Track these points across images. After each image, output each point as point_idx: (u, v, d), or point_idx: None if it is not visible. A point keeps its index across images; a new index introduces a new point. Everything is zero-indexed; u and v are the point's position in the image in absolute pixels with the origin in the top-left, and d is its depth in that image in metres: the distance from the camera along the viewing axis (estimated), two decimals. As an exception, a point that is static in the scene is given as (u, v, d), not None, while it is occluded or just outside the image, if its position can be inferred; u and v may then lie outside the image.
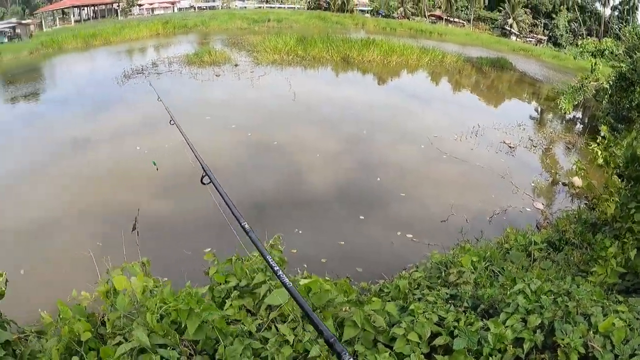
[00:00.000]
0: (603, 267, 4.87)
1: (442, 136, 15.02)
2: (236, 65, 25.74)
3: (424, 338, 3.14)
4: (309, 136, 14.16)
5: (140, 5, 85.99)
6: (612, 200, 5.91)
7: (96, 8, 79.55)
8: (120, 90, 20.66)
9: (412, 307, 3.46)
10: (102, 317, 3.22)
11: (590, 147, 7.22)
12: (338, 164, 12.27)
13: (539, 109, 21.79)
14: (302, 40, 31.64)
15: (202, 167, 2.44)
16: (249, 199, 9.79)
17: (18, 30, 50.74)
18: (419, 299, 4.17)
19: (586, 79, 19.90)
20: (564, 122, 22.25)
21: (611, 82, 18.26)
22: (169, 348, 2.82)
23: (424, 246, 7.94)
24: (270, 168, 11.92)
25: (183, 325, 2.93)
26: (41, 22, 66.13)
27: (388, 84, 25.49)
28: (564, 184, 12.37)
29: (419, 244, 8.24)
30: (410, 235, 8.63)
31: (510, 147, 15.20)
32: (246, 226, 1.58)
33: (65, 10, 72.93)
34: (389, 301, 3.88)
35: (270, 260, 1.79)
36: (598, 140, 7.27)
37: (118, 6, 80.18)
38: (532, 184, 12.15)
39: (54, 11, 71.05)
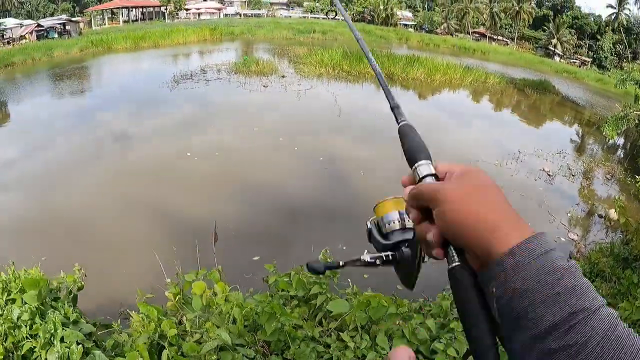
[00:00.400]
0: (630, 302, 4.89)
1: (483, 160, 15.23)
2: (283, 76, 26.45)
3: (461, 354, 3.48)
4: (353, 153, 14.49)
5: (187, 9, 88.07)
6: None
7: (144, 10, 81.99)
8: (171, 95, 21.48)
9: (452, 325, 3.91)
10: (179, 317, 3.77)
11: (635, 181, 7.44)
12: (377, 181, 12.46)
13: (580, 135, 21.73)
14: (347, 55, 32.22)
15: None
16: (290, 212, 10.20)
17: (68, 27, 52.54)
18: (457, 319, 4.60)
19: (629, 108, 19.96)
20: (605, 150, 22.17)
21: None
22: (246, 347, 3.33)
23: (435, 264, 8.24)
24: (315, 183, 12.22)
25: (255, 327, 3.45)
26: (90, 20, 68.60)
27: (432, 103, 25.86)
28: (600, 216, 12.39)
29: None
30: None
31: (549, 174, 15.31)
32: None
33: (114, 10, 75.36)
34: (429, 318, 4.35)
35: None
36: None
37: (166, 9, 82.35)
38: (568, 214, 12.23)
39: (104, 10, 73.52)
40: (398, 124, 0.89)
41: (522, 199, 12.48)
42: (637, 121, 20.09)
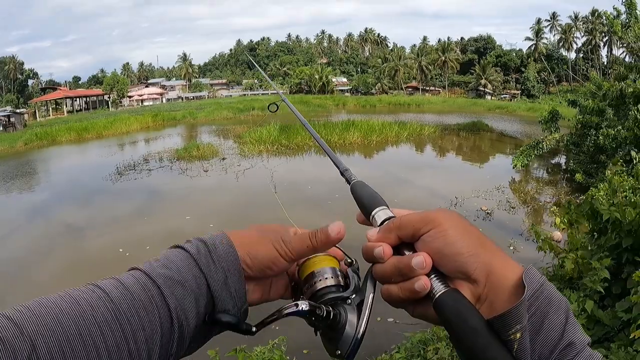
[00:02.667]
0: None
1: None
2: (224, 158, 27.18)
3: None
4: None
5: (130, 96, 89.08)
6: (571, 256, 6.61)
7: (88, 99, 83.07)
8: (114, 188, 21.87)
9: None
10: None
11: (551, 210, 7.50)
12: None
13: (516, 168, 22.84)
14: (285, 128, 33.50)
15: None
16: None
17: (13, 119, 53.39)
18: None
19: (543, 139, 21.30)
20: (544, 175, 23.74)
21: (572, 132, 19.77)
22: None
23: (408, 326, 7.70)
24: None
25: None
26: (35, 111, 68.56)
27: (368, 164, 26.71)
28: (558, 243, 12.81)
29: (401, 325, 8.14)
30: (392, 319, 8.77)
31: (487, 213, 15.76)
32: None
33: (58, 100, 75.58)
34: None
35: None
36: (553, 208, 7.66)
37: (109, 97, 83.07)
38: (510, 247, 12.37)
39: (48, 101, 73.55)
40: (349, 184, 0.96)
41: None
42: (554, 143, 21.33)
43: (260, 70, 1.92)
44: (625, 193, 6.03)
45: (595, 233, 5.92)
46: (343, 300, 0.77)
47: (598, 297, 5.23)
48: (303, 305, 0.74)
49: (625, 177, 6.23)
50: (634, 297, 3.76)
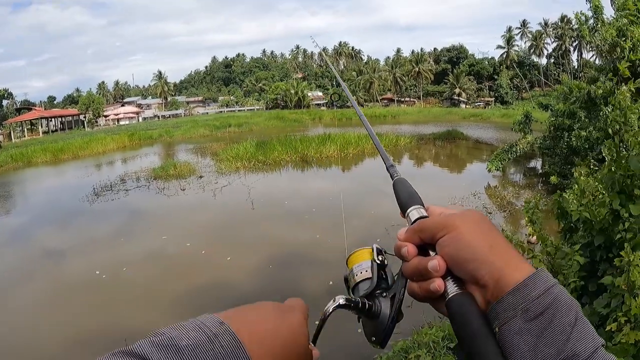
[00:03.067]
0: None
1: (398, 224, 15.78)
2: (201, 177, 26.97)
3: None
4: (259, 245, 14.43)
5: (106, 115, 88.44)
6: (538, 256, 6.71)
7: (63, 119, 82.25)
8: (91, 209, 21.47)
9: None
10: None
11: (525, 202, 7.51)
12: (285, 272, 12.31)
13: (492, 174, 23.04)
14: (261, 145, 33.55)
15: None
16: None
17: None
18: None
19: (516, 143, 21.64)
20: (521, 180, 24.06)
21: (545, 135, 20.05)
22: None
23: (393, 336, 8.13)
24: (219, 284, 12.00)
25: None
26: (10, 132, 67.51)
27: (346, 177, 26.77)
28: (521, 243, 12.76)
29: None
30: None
31: None
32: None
33: (34, 121, 74.65)
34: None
35: None
36: (525, 202, 7.69)
37: (85, 117, 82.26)
38: None
39: (23, 122, 72.56)
40: (392, 179, 1.02)
41: None
42: (527, 147, 21.67)
43: (340, 81, 1.67)
44: (598, 193, 6.10)
45: (566, 233, 5.99)
46: (379, 293, 0.84)
47: (575, 296, 5.32)
48: (340, 300, 0.82)
49: (596, 177, 6.31)
50: (618, 279, 3.78)
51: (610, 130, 5.57)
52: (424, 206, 0.87)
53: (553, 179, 12.13)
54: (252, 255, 13.67)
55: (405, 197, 0.92)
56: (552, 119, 19.42)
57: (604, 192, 5.31)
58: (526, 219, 6.89)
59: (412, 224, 0.82)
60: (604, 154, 6.14)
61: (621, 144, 5.30)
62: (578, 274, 5.06)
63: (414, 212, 0.85)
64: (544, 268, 0.68)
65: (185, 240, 15.49)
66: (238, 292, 11.30)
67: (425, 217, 0.83)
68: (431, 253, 0.76)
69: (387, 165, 1.13)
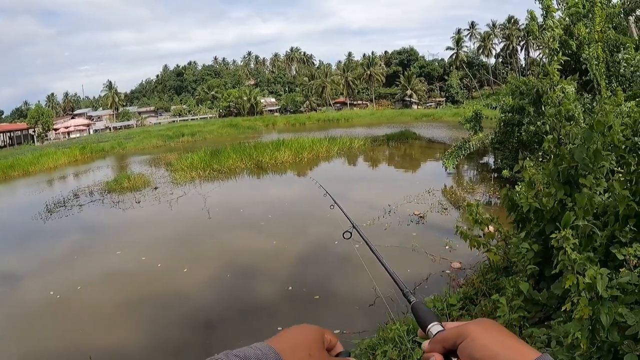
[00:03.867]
0: (502, 308, 5.12)
1: (355, 224, 15.68)
2: (156, 188, 26.50)
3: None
4: (215, 263, 13.96)
5: (56, 129, 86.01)
6: (493, 248, 6.88)
7: (12, 134, 79.68)
8: (45, 227, 20.73)
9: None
10: None
11: (466, 206, 7.67)
12: (244, 280, 12.27)
13: (447, 172, 23.44)
14: (215, 153, 33.35)
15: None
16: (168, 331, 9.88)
17: None
18: None
19: (468, 139, 22.16)
20: (474, 175, 24.59)
21: (496, 131, 20.55)
22: None
23: (355, 335, 7.96)
24: (179, 295, 11.85)
25: None
26: None
27: (301, 182, 26.72)
28: (478, 236, 12.88)
29: (349, 335, 8.19)
30: (338, 331, 8.62)
31: (420, 217, 15.95)
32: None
33: None
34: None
35: None
36: (466, 205, 7.84)
37: (34, 131, 79.82)
38: (446, 247, 12.66)
39: None
40: (410, 303, 1.14)
41: (399, 249, 12.92)
42: (478, 144, 22.21)
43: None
44: (545, 185, 6.31)
45: (518, 223, 6.19)
46: None
47: (533, 282, 5.51)
48: None
49: (543, 169, 6.55)
50: (562, 256, 3.92)
51: (547, 127, 5.85)
52: (440, 322, 1.01)
53: (505, 172, 12.43)
54: (210, 266, 13.53)
55: (424, 317, 1.05)
56: (501, 115, 19.93)
57: (550, 183, 5.51)
58: (471, 220, 7.10)
59: (433, 337, 0.97)
60: (544, 149, 6.36)
61: (560, 138, 5.52)
62: (533, 261, 5.24)
63: (434, 328, 0.99)
64: (548, 354, 0.79)
65: (140, 254, 15.19)
66: (195, 302, 11.20)
67: (443, 330, 0.97)
68: (452, 359, 0.91)
69: (403, 291, 1.26)
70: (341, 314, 9.32)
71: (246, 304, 10.81)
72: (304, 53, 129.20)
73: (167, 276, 13.17)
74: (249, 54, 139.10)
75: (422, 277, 10.75)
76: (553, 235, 4.15)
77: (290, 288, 11.32)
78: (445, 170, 22.13)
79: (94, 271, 14.14)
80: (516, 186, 6.73)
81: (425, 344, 0.97)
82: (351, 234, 2.23)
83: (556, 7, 16.96)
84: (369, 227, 15.38)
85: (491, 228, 7.30)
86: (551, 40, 16.06)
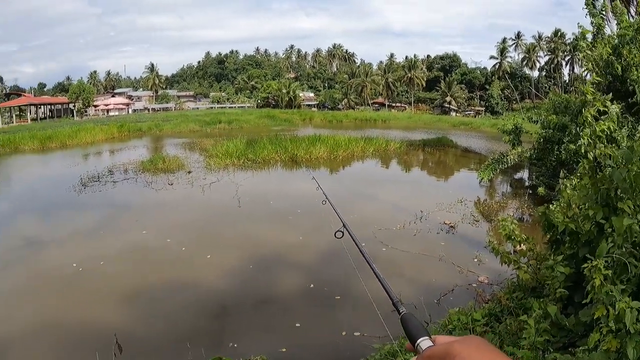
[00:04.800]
0: (529, 329, 4.97)
1: (385, 227, 15.43)
2: (189, 172, 26.87)
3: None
4: (239, 252, 13.90)
5: (95, 105, 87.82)
6: (524, 267, 6.73)
7: (53, 107, 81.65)
8: (78, 200, 21.22)
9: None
10: None
11: (500, 221, 7.50)
12: (266, 273, 12.20)
13: (481, 184, 23.11)
14: (251, 143, 33.64)
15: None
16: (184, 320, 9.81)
17: None
18: None
19: (507, 153, 21.67)
20: (508, 190, 24.23)
21: (535, 147, 20.13)
22: None
23: (376, 339, 7.79)
24: (200, 280, 11.86)
25: None
26: None
27: (334, 179, 26.71)
28: (508, 253, 12.35)
29: (368, 338, 8.20)
30: (358, 333, 8.64)
31: (450, 226, 15.67)
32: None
33: (22, 107, 74.01)
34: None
35: None
36: (500, 220, 7.69)
37: (74, 106, 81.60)
38: (475, 260, 12.34)
39: (11, 108, 71.87)
40: (400, 314, 1.13)
41: (427, 257, 12.74)
42: (516, 159, 21.74)
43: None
44: (583, 206, 6.15)
45: (552, 244, 6.07)
46: None
47: (561, 305, 5.38)
48: None
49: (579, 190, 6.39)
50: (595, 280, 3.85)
51: (582, 149, 5.65)
52: (430, 337, 1.00)
53: (541, 190, 12.17)
54: (233, 254, 13.58)
55: (413, 330, 1.04)
56: (542, 130, 19.55)
57: (588, 205, 5.39)
58: (502, 235, 6.96)
59: (421, 353, 0.96)
60: (579, 172, 6.19)
61: (595, 161, 5.37)
62: (564, 284, 5.14)
63: (424, 343, 0.98)
64: None
65: (166, 236, 15.34)
66: (214, 289, 11.27)
67: (432, 346, 0.97)
68: None
69: (393, 300, 1.25)
70: (361, 316, 9.14)
71: (264, 297, 10.83)
72: (346, 50, 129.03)
73: (190, 260, 13.30)
74: (291, 47, 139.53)
75: (448, 288, 10.59)
76: (585, 265, 4.08)
77: (312, 286, 11.28)
78: (480, 182, 21.76)
79: (117, 248, 14.38)
80: (552, 205, 6.54)
81: (413, 359, 0.98)
82: (343, 233, 2.22)
83: (609, 22, 16.55)
84: (398, 232, 15.27)
85: (523, 246, 7.18)
86: (585, 61, 15.70)
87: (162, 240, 14.91)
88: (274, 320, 9.67)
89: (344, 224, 2.21)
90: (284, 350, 8.24)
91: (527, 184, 24.61)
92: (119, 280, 11.92)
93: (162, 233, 15.74)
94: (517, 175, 27.87)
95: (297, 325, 9.36)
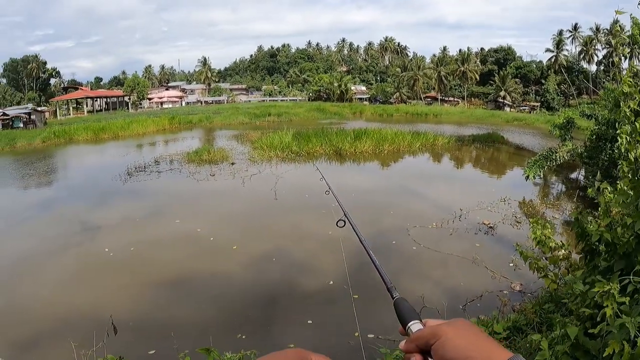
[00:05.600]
0: (542, 352, 4.33)
1: (420, 225, 15.09)
2: (232, 163, 27.07)
3: None
4: (265, 245, 13.83)
5: (150, 98, 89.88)
6: (551, 275, 6.12)
7: (108, 100, 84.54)
8: (123, 188, 21.89)
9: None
10: None
11: (531, 222, 6.89)
12: (287, 267, 12.11)
13: (530, 182, 21.89)
14: (296, 135, 33.53)
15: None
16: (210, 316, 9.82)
17: (33, 117, 54.34)
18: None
19: (556, 149, 20.46)
20: (558, 190, 23.22)
21: (587, 144, 19.00)
22: None
23: (390, 343, 7.66)
24: (227, 271, 11.94)
25: None
26: (56, 110, 69.78)
27: (378, 173, 26.28)
28: (547, 259, 11.49)
29: (382, 340, 7.99)
30: (372, 335, 8.33)
31: (489, 227, 15.01)
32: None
33: (79, 100, 76.70)
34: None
35: None
36: (531, 222, 7.01)
37: (129, 99, 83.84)
38: (511, 264, 11.60)
39: (69, 100, 74.66)
40: (393, 298, 1.12)
41: (458, 259, 12.24)
42: (566, 157, 20.45)
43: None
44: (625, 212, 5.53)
45: (587, 254, 5.46)
46: None
47: (590, 324, 4.79)
48: None
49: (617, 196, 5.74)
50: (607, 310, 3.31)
51: (622, 149, 4.99)
52: (421, 320, 0.99)
53: (590, 191, 11.38)
54: (259, 247, 13.58)
55: (405, 314, 1.02)
56: (595, 127, 18.43)
57: (628, 212, 4.78)
58: (532, 239, 6.39)
59: (412, 335, 0.96)
60: (619, 174, 5.56)
61: (636, 162, 4.75)
62: (587, 303, 4.53)
63: (414, 326, 0.97)
64: (519, 355, 0.77)
65: (197, 225, 15.54)
66: (230, 282, 11.28)
67: (422, 329, 0.95)
68: (429, 358, 0.90)
69: (387, 285, 1.22)
70: (376, 318, 8.77)
71: (280, 292, 10.76)
72: (398, 43, 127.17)
73: (214, 250, 13.42)
74: (343, 40, 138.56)
75: (476, 294, 9.98)
76: (596, 288, 3.53)
77: (331, 282, 11.00)
78: (526, 179, 20.49)
79: (148, 236, 14.75)
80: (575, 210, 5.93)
81: (402, 343, 0.96)
82: (344, 222, 2.14)
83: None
84: (433, 230, 14.82)
85: (560, 252, 6.59)
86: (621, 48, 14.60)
87: (192, 230, 15.10)
88: (280, 315, 9.67)
89: (345, 214, 2.15)
90: (292, 346, 7.99)
91: (581, 184, 23.32)
92: (143, 267, 12.35)
93: (194, 223, 15.92)
94: (573, 175, 26.50)
95: (309, 322, 9.29)
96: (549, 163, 20.09)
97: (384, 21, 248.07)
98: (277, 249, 13.35)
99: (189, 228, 15.32)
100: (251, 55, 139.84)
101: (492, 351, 0.83)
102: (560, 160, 20.36)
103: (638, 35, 13.94)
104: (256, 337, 8.62)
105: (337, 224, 2.20)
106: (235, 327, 8.98)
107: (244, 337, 8.59)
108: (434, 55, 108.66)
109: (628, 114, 5.04)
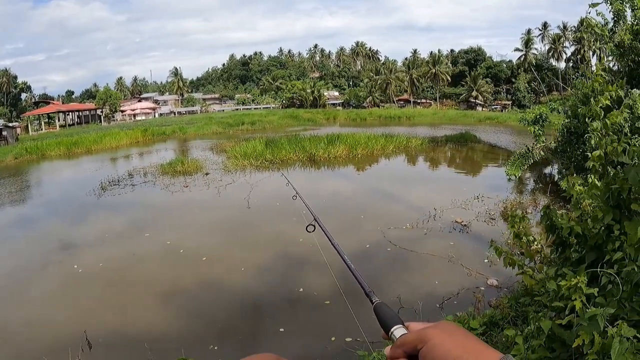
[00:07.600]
0: (518, 347, 4.46)
1: (395, 226, 15.10)
2: (207, 174, 26.82)
3: None
4: (234, 255, 13.64)
5: (122, 111, 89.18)
6: (528, 271, 6.16)
7: (80, 113, 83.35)
8: (97, 203, 21.46)
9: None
10: None
11: (510, 216, 6.90)
12: (257, 275, 11.99)
13: (514, 179, 22.00)
14: (269, 143, 33.42)
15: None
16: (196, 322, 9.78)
17: (4, 133, 53.31)
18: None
19: (532, 147, 20.65)
20: (532, 185, 23.40)
21: (559, 139, 19.17)
22: None
23: (364, 344, 7.40)
24: (191, 285, 11.72)
25: None
26: (27, 125, 68.63)
27: (352, 177, 26.21)
28: (522, 254, 11.47)
29: (361, 343, 7.62)
30: (350, 339, 8.11)
31: (464, 225, 15.06)
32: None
33: (51, 114, 75.73)
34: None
35: None
36: (510, 216, 7.03)
37: (102, 112, 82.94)
38: (486, 260, 11.60)
39: (40, 115, 73.57)
40: (372, 303, 1.08)
41: (434, 259, 12.23)
42: (542, 153, 20.67)
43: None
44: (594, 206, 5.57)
45: (558, 247, 5.47)
46: None
47: (564, 315, 4.76)
48: None
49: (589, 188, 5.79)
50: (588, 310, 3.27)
51: (592, 142, 5.02)
52: (404, 324, 0.96)
53: (563, 184, 11.51)
54: (229, 256, 13.46)
55: (387, 319, 0.99)
56: (565, 120, 18.63)
57: (598, 205, 4.79)
58: (511, 233, 6.40)
59: (396, 340, 0.93)
60: (587, 167, 5.62)
61: (606, 157, 4.77)
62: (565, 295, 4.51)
63: (397, 332, 0.95)
64: (510, 355, 0.77)
65: (167, 238, 15.36)
66: (198, 295, 11.11)
67: (406, 333, 0.93)
68: None
69: (366, 291, 1.19)
70: (352, 321, 8.64)
71: (250, 301, 10.60)
72: (370, 48, 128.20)
73: (183, 263, 13.17)
74: (315, 46, 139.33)
75: (453, 292, 10.01)
76: (563, 283, 3.50)
77: (301, 290, 10.91)
78: (508, 179, 20.57)
79: (118, 251, 14.44)
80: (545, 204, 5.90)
81: (387, 349, 0.94)
82: (314, 227, 2.15)
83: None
84: (408, 231, 14.80)
85: (533, 246, 6.60)
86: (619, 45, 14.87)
87: (162, 243, 14.94)
88: (250, 326, 9.53)
89: (314, 218, 2.18)
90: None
91: (555, 178, 23.54)
92: (110, 282, 12.12)
93: (163, 235, 15.76)
94: (547, 171, 26.78)
95: (281, 330, 9.15)
96: (527, 161, 20.31)
97: (357, 26, 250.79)
98: (247, 258, 13.17)
99: (159, 241, 15.14)
100: (223, 64, 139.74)
101: (482, 352, 0.82)
102: (537, 158, 20.60)
103: (605, 29, 14.04)
104: (228, 348, 8.53)
105: (307, 229, 2.17)
106: (207, 338, 8.87)
107: (215, 348, 8.51)
108: (406, 58, 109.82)
109: (598, 111, 5.08)
